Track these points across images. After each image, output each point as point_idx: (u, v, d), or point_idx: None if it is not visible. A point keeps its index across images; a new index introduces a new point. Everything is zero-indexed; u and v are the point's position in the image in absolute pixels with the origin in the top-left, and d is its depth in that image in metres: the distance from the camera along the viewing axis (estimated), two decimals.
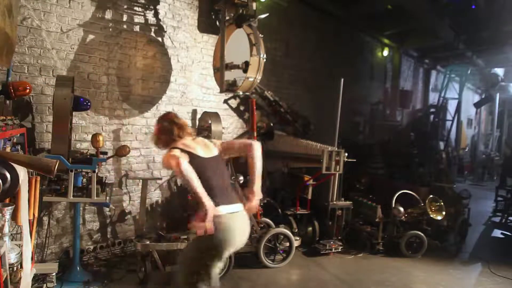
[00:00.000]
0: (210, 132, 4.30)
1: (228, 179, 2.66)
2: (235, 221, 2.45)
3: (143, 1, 4.68)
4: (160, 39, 4.91)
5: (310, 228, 5.38)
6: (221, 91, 4.89)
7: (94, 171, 3.52)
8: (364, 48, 9.36)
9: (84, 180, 3.64)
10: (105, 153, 4.04)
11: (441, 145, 12.41)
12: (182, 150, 2.46)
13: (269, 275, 4.36)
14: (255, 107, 5.19)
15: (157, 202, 5.02)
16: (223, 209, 2.40)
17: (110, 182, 4.37)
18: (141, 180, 4.50)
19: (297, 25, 7.06)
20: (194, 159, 2.45)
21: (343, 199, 5.44)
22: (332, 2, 7.31)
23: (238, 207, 2.52)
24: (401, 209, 5.28)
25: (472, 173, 15.17)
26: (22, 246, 2.53)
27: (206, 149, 2.63)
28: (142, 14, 4.70)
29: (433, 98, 13.23)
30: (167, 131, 2.62)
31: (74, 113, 3.82)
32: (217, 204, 2.36)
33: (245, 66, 4.54)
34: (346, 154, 5.13)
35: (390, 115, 10.94)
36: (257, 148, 2.64)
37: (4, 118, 2.80)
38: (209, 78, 5.39)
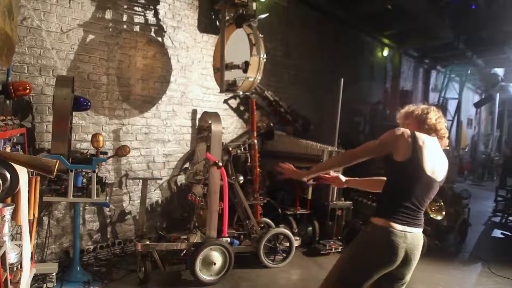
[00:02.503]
0: (210, 132, 4.30)
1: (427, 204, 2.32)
2: (407, 241, 2.19)
3: (143, 1, 4.68)
4: (160, 39, 4.91)
5: (310, 228, 5.38)
6: (221, 91, 4.89)
7: (94, 171, 3.52)
8: (364, 48, 9.36)
9: (84, 180, 3.64)
10: (105, 153, 4.03)
11: None
12: (417, 149, 2.16)
13: (269, 275, 4.37)
14: (255, 107, 5.20)
15: (157, 202, 5.02)
16: (400, 228, 2.16)
17: (110, 182, 4.38)
18: (141, 180, 4.49)
19: (297, 25, 7.06)
20: (417, 167, 2.16)
21: (343, 199, 5.44)
22: (332, 2, 7.31)
23: (419, 230, 2.27)
24: None
25: (472, 173, 15.17)
26: (22, 246, 2.53)
27: (439, 164, 2.30)
28: (142, 14, 4.70)
29: (433, 98, 13.23)
30: (420, 126, 2.40)
31: (74, 113, 3.81)
32: (398, 222, 2.15)
33: (245, 66, 4.54)
34: None
35: (390, 115, 10.92)
36: None
37: (4, 118, 2.80)
38: (209, 78, 5.40)
